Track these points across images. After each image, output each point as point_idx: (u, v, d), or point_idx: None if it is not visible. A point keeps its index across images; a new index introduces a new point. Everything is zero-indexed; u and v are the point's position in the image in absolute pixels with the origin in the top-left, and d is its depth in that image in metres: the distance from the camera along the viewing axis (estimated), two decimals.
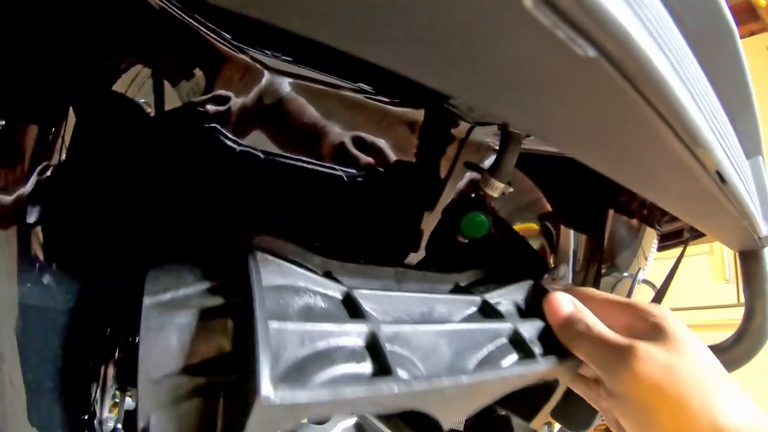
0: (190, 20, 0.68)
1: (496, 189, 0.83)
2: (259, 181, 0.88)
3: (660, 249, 1.24)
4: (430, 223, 0.98)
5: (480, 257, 0.99)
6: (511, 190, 0.90)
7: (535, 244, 1.04)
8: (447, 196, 0.94)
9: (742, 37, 2.67)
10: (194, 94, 0.76)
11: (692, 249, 2.55)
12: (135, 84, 0.71)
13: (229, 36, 0.71)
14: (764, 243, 0.88)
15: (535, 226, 1.00)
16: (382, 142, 0.94)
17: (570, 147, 0.44)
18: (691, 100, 0.37)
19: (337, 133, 0.90)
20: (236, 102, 0.80)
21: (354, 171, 0.92)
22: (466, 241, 0.86)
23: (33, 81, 0.62)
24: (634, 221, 1.12)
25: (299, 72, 0.80)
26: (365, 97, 0.86)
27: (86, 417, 0.95)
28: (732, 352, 0.95)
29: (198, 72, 0.74)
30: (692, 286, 2.58)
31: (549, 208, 1.00)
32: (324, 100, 0.85)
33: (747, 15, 2.70)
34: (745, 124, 0.70)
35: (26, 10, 0.56)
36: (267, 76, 0.79)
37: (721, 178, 0.47)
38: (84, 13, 0.62)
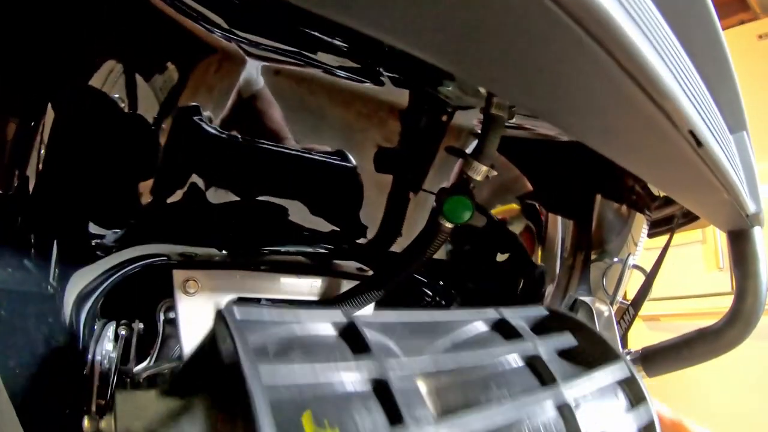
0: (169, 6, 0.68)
1: (479, 172, 0.82)
2: (243, 168, 0.87)
3: (651, 235, 1.23)
4: (416, 209, 0.97)
5: (466, 247, 0.99)
6: (495, 173, 0.89)
7: (522, 231, 1.03)
8: (431, 182, 0.94)
9: (732, 26, 2.68)
10: (168, 87, 0.76)
11: (685, 237, 2.55)
12: (110, 80, 0.71)
13: (213, 20, 0.71)
14: (752, 221, 0.87)
15: (520, 213, 0.99)
16: (367, 129, 0.93)
17: (542, 109, 0.43)
18: (655, 55, 0.36)
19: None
20: (215, 92, 0.80)
21: (337, 157, 0.92)
22: (450, 226, 0.84)
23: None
24: (623, 207, 1.11)
25: (279, 58, 0.80)
26: (348, 80, 0.85)
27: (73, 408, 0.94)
28: (723, 335, 0.94)
29: (172, 65, 0.74)
30: (686, 275, 2.56)
31: (535, 194, 0.99)
32: (306, 87, 0.85)
33: (737, 5, 2.70)
34: (726, 98, 0.70)
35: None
36: (248, 63, 0.79)
37: (697, 140, 0.46)
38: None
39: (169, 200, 0.79)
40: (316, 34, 0.77)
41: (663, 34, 0.42)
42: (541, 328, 0.71)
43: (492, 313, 0.67)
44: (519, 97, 0.43)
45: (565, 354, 0.66)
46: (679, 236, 2.65)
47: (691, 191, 0.66)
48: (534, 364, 0.60)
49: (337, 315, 0.53)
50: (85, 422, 0.73)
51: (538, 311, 0.74)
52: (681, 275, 2.55)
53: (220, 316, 0.47)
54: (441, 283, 1.05)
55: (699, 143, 0.47)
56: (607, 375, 0.61)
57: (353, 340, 0.51)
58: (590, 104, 0.41)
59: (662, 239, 1.31)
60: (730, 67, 0.70)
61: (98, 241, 0.80)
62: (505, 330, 0.65)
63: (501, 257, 1.01)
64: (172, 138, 0.74)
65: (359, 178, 0.94)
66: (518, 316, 0.70)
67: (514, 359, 0.60)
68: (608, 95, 0.39)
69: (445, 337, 0.62)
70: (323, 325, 0.51)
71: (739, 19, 2.60)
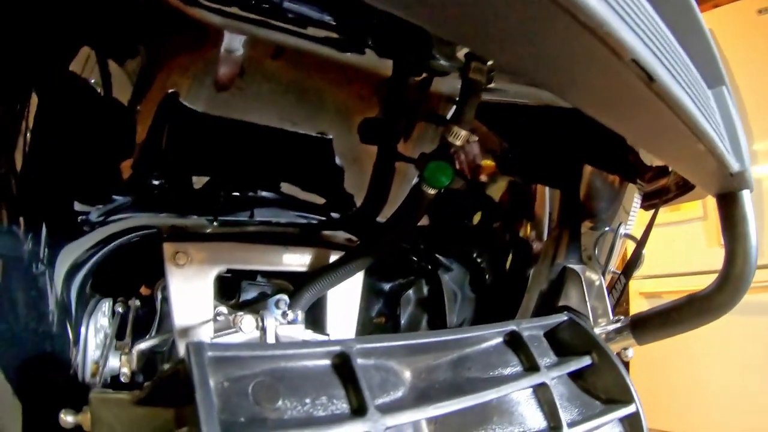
0: None
1: (458, 137, 0.83)
2: (227, 141, 0.89)
3: (646, 208, 1.22)
4: (400, 178, 0.97)
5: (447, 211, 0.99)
6: (476, 138, 0.89)
7: (509, 201, 1.03)
8: (413, 150, 0.94)
9: (731, 1, 2.64)
10: (147, 63, 0.77)
11: (686, 214, 2.52)
12: (89, 60, 0.73)
13: None
14: (738, 183, 0.86)
15: (505, 181, 0.99)
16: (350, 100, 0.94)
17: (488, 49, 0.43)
18: None
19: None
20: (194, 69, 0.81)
21: (321, 129, 0.93)
22: (432, 192, 0.85)
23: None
24: (615, 177, 1.10)
25: (261, 30, 0.81)
26: (331, 51, 0.86)
27: (66, 379, 0.96)
28: (713, 300, 0.93)
29: (150, 41, 0.75)
30: (687, 252, 2.54)
31: (518, 163, 0.98)
32: (289, 59, 0.86)
33: None
34: (699, 51, 0.69)
35: None
36: (227, 36, 0.80)
37: (647, 74, 0.46)
38: None
39: (153, 175, 0.81)
40: (297, 5, 0.78)
41: None
42: (557, 339, 0.72)
43: (508, 327, 0.68)
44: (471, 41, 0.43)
45: (576, 375, 0.68)
46: (680, 213, 2.63)
47: (659, 138, 0.66)
48: (541, 392, 0.62)
49: (332, 346, 0.52)
50: (62, 415, 0.75)
51: (557, 318, 0.74)
52: (682, 252, 2.53)
53: (188, 350, 0.47)
54: (422, 247, 1.05)
55: (650, 77, 0.46)
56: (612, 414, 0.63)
57: (346, 373, 0.51)
58: (527, 37, 0.41)
59: (662, 213, 1.29)
60: (700, 21, 0.70)
61: (84, 216, 0.82)
62: (517, 346, 0.66)
63: (483, 221, 1.01)
64: (153, 115, 0.76)
65: (343, 149, 0.95)
66: (536, 327, 0.71)
67: (521, 386, 0.61)
68: (543, 27, 0.39)
69: (451, 360, 0.62)
70: (313, 362, 0.51)
71: None
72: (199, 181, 0.91)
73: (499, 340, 0.65)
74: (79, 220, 0.83)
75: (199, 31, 0.75)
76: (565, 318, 0.73)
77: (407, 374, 0.58)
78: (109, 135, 0.75)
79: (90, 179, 0.78)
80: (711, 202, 2.23)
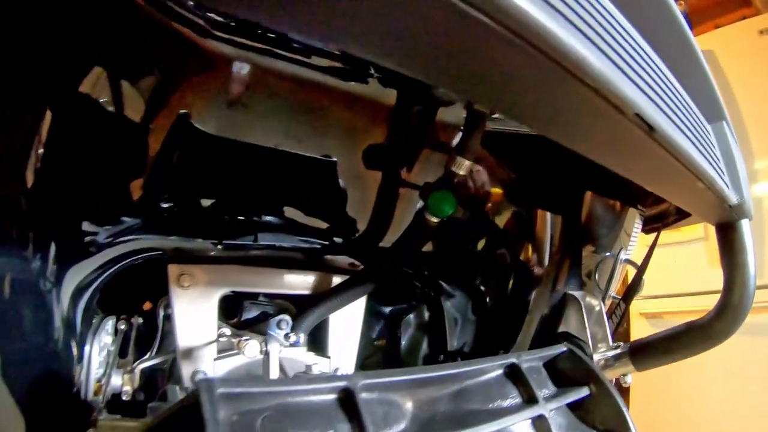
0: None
1: (462, 167, 0.84)
2: (234, 165, 0.90)
3: (647, 231, 1.23)
4: (404, 205, 0.99)
5: (452, 240, 1.00)
6: (479, 168, 0.91)
7: (511, 228, 1.04)
8: (417, 178, 0.95)
9: (732, 22, 2.66)
10: (159, 89, 0.79)
11: (688, 235, 2.52)
12: (100, 82, 0.74)
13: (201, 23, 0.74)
14: (737, 213, 0.87)
15: (508, 208, 1.00)
16: (356, 128, 0.96)
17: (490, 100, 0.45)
18: (585, 44, 0.38)
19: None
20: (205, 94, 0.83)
21: (327, 155, 0.94)
22: (435, 221, 0.86)
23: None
24: (615, 203, 1.11)
25: (268, 60, 0.83)
26: (337, 80, 0.87)
27: (70, 397, 0.97)
28: (712, 328, 0.94)
29: (162, 67, 0.77)
30: (689, 273, 2.55)
31: (521, 190, 1.00)
32: (296, 87, 0.87)
33: (739, 1, 2.68)
34: (699, 87, 0.70)
35: None
36: (236, 64, 0.82)
37: (647, 124, 0.47)
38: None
39: (163, 197, 0.82)
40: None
41: (609, 27, 0.43)
42: (556, 369, 0.73)
43: (508, 359, 0.68)
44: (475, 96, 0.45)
45: (575, 406, 0.69)
46: (681, 234, 2.63)
47: (662, 179, 0.67)
48: (539, 424, 0.63)
49: (337, 381, 0.53)
50: None
51: (556, 349, 0.75)
52: (684, 273, 2.53)
53: (200, 387, 0.47)
54: (427, 274, 1.06)
55: (650, 127, 0.48)
56: None
57: (350, 407, 0.52)
58: (533, 95, 0.42)
59: (664, 234, 1.30)
60: (700, 59, 0.71)
61: (92, 237, 0.83)
62: (517, 378, 0.67)
63: (486, 249, 1.02)
64: (163, 136, 0.77)
65: (349, 175, 0.96)
66: (536, 358, 0.72)
67: (520, 418, 0.62)
68: (549, 86, 0.40)
69: (452, 392, 0.63)
70: (318, 397, 0.52)
71: (740, 15, 2.59)
72: (205, 205, 0.92)
73: (499, 372, 0.66)
74: (86, 241, 0.84)
75: (209, 58, 0.77)
76: (564, 349, 0.74)
77: (409, 406, 0.59)
78: (119, 155, 0.76)
79: (99, 200, 0.79)
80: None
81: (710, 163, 0.70)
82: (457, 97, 0.80)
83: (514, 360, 0.65)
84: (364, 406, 0.52)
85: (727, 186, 0.79)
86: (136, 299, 1.20)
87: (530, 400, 0.64)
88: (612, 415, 0.70)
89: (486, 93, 0.42)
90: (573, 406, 0.71)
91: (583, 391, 0.69)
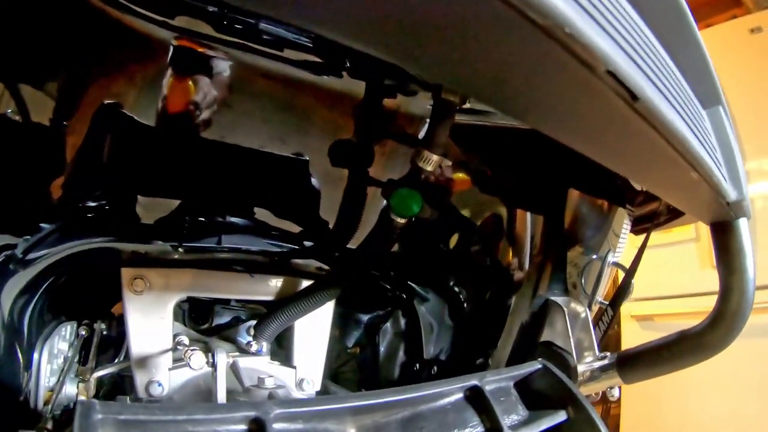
0: None
1: (430, 162, 0.72)
2: (186, 162, 0.79)
3: (636, 232, 1.10)
4: (372, 204, 0.86)
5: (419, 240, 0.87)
6: (449, 163, 0.78)
7: (488, 227, 0.92)
8: (384, 174, 0.83)
9: (723, 21, 2.52)
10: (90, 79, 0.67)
11: (679, 236, 2.38)
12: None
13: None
14: (735, 212, 0.74)
15: (484, 207, 0.88)
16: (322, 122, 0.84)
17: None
18: None
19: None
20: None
21: (291, 151, 0.82)
22: (402, 221, 0.74)
23: None
24: (603, 201, 0.98)
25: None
26: (306, 73, 0.76)
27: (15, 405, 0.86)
28: (707, 338, 0.81)
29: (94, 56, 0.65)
30: (680, 274, 2.40)
31: (498, 188, 0.87)
32: (260, 80, 0.76)
33: (730, 0, 2.56)
34: (693, 66, 0.58)
35: None
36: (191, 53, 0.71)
37: (630, 92, 0.35)
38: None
39: (89, 198, 0.70)
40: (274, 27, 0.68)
41: None
42: (530, 389, 0.60)
43: (469, 381, 0.55)
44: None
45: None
46: (672, 235, 2.48)
47: (648, 168, 0.54)
48: None
49: (247, 410, 0.42)
50: None
51: (530, 367, 0.62)
52: (675, 274, 2.39)
53: (76, 411, 0.39)
54: (393, 275, 0.94)
55: (633, 95, 0.35)
56: None
57: None
58: (473, 48, 0.30)
59: (654, 234, 1.17)
60: (697, 38, 0.59)
61: (10, 251, 0.71)
62: (478, 403, 0.54)
63: (458, 248, 0.89)
64: (85, 130, 0.65)
65: (316, 173, 0.84)
66: (504, 378, 0.59)
67: None
68: (493, 34, 0.28)
69: (402, 418, 0.50)
70: (224, 427, 0.41)
71: (731, 14, 2.46)
72: (161, 205, 0.81)
73: (459, 396, 0.53)
74: (21, 247, 0.72)
75: (143, 43, 0.65)
76: (539, 366, 0.61)
77: None
78: (25, 157, 0.64)
79: (10, 209, 0.67)
80: (702, 223, 2.10)
81: (706, 151, 0.58)
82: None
83: (476, 382, 0.53)
84: None
85: (725, 179, 0.66)
86: (105, 303, 1.08)
87: (493, 428, 0.51)
88: None
89: (411, 53, 0.29)
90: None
91: (560, 416, 0.57)
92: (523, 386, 0.61)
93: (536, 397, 0.60)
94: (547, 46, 0.29)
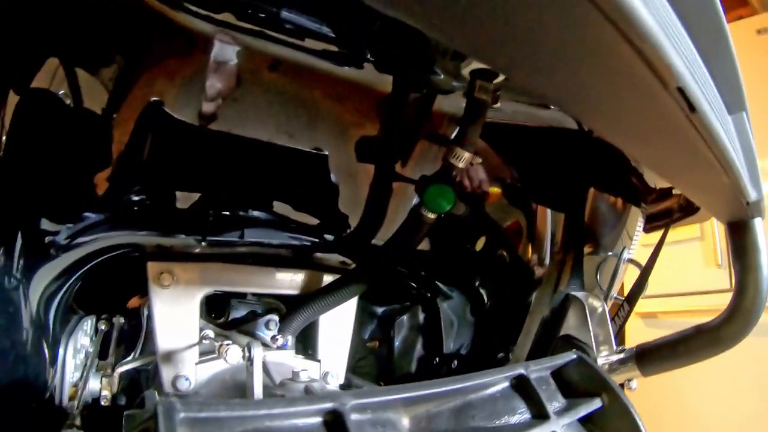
0: None
1: (462, 159, 0.75)
2: (216, 157, 0.81)
3: (648, 230, 1.14)
4: (399, 199, 0.90)
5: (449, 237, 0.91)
6: (480, 160, 0.81)
7: (511, 226, 0.95)
8: (413, 171, 0.86)
9: (730, 21, 2.57)
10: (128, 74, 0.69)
11: (683, 234, 2.44)
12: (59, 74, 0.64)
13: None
14: (753, 211, 0.79)
15: (507, 205, 0.91)
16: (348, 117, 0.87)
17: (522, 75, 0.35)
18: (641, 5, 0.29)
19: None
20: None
21: (317, 146, 0.85)
22: (432, 217, 0.77)
23: None
24: (618, 200, 1.02)
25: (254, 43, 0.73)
26: (330, 65, 0.78)
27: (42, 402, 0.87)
28: (722, 332, 0.85)
29: (132, 51, 0.67)
30: (684, 272, 2.45)
31: (523, 186, 0.91)
32: (286, 72, 0.78)
33: (736, 1, 2.61)
34: (724, 74, 0.61)
35: None
36: (218, 46, 0.72)
37: (689, 103, 0.39)
38: None
39: (132, 191, 0.73)
40: (296, 16, 0.70)
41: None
42: (564, 379, 0.64)
43: (515, 370, 0.59)
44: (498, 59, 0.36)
45: (586, 419, 0.60)
46: (677, 233, 2.54)
47: (687, 171, 0.58)
48: None
49: (324, 402, 0.44)
50: None
51: (566, 357, 0.66)
52: (679, 272, 2.43)
53: (157, 412, 0.40)
54: (423, 274, 0.97)
55: (692, 107, 0.39)
56: None
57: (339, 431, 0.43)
58: (568, 57, 0.33)
59: (657, 235, 1.22)
60: (729, 44, 0.62)
61: (52, 237, 0.73)
62: (525, 391, 0.58)
63: (485, 248, 0.93)
64: (131, 125, 0.67)
65: (340, 167, 0.87)
66: (544, 368, 0.63)
67: None
68: (583, 44, 0.31)
69: (454, 407, 0.54)
70: (302, 420, 0.43)
71: (738, 15, 2.51)
72: (187, 199, 0.83)
73: (506, 384, 0.57)
74: (47, 241, 0.74)
75: (186, 38, 0.67)
76: (574, 356, 0.65)
77: (405, 423, 0.50)
78: (78, 148, 0.66)
79: (58, 197, 0.69)
80: (707, 222, 2.15)
81: (735, 155, 0.62)
82: (474, 57, 0.69)
83: (522, 371, 0.56)
84: (355, 430, 0.44)
85: (747, 180, 0.71)
86: (119, 297, 1.10)
87: (540, 415, 0.55)
88: (627, 429, 0.61)
89: (507, 56, 0.32)
90: (583, 420, 0.62)
91: (595, 403, 0.61)
92: (558, 376, 0.65)
93: (570, 386, 0.64)
94: (632, 62, 0.32)
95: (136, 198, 0.73)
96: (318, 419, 0.44)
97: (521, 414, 0.54)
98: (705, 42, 0.58)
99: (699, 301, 2.23)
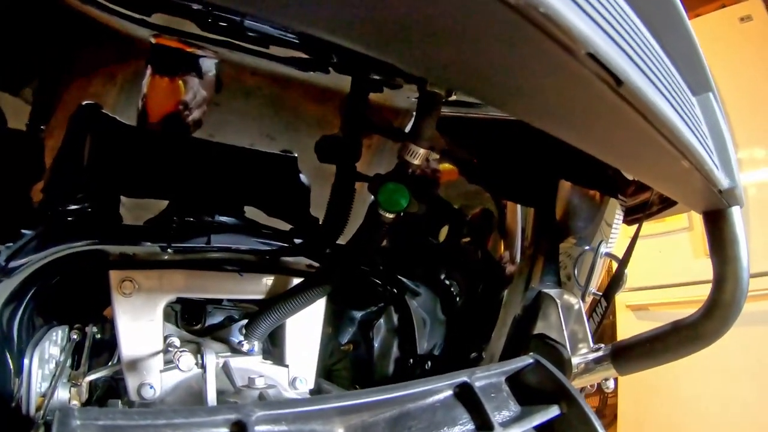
0: None
1: (416, 155, 0.69)
2: (170, 162, 0.77)
3: (629, 222, 1.08)
4: (360, 199, 0.84)
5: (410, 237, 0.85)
6: (437, 156, 0.76)
7: (478, 220, 0.90)
8: (372, 169, 0.81)
9: (713, 10, 2.49)
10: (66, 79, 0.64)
11: (672, 225, 2.35)
12: None
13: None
14: (728, 199, 0.72)
15: (474, 200, 0.86)
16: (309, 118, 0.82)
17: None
18: None
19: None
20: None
21: (278, 149, 0.81)
22: (390, 216, 0.72)
23: None
24: (593, 192, 0.96)
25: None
26: (293, 69, 0.74)
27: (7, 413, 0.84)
28: (701, 328, 0.79)
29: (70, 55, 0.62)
30: (673, 263, 2.37)
31: (487, 180, 0.85)
32: (246, 77, 0.74)
33: None
34: (682, 52, 0.55)
35: None
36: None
37: (614, 76, 0.33)
38: None
39: (72, 200, 0.68)
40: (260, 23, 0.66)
41: None
42: (522, 384, 0.58)
43: (458, 378, 0.53)
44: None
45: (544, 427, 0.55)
46: (666, 224, 2.46)
47: (640, 158, 0.52)
48: None
49: (228, 413, 0.40)
50: None
51: (521, 362, 0.61)
52: (669, 263, 2.37)
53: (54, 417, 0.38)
54: (383, 269, 0.91)
55: (616, 79, 0.33)
56: None
57: None
58: (452, 36, 0.28)
59: (647, 224, 1.15)
60: (686, 25, 0.56)
61: (7, 251, 0.69)
62: (469, 400, 0.52)
63: (447, 241, 0.87)
64: (63, 135, 0.63)
65: (303, 169, 0.82)
66: (495, 374, 0.57)
67: None
68: (472, 21, 0.26)
69: (390, 417, 0.48)
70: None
71: (720, 4, 2.41)
72: (147, 206, 0.79)
73: (449, 393, 0.51)
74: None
75: (122, 42, 0.63)
76: (530, 361, 0.59)
77: None
78: (4, 162, 0.62)
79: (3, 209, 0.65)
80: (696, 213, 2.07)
81: (697, 139, 0.56)
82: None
83: (465, 378, 0.51)
84: None
85: (717, 167, 0.64)
86: (92, 306, 1.06)
87: (484, 426, 0.49)
88: None
89: (383, 39, 0.27)
90: (540, 428, 0.56)
91: (553, 411, 0.55)
92: (515, 381, 0.59)
93: (529, 392, 0.59)
94: (524, 29, 0.27)
95: (77, 208, 0.69)
96: (223, 430, 0.39)
97: (463, 425, 0.49)
98: (656, 20, 0.52)
99: (690, 292, 2.16)
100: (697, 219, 2.43)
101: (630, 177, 0.96)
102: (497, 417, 0.51)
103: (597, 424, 0.55)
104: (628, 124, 0.40)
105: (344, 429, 0.45)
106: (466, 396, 0.51)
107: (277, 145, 0.81)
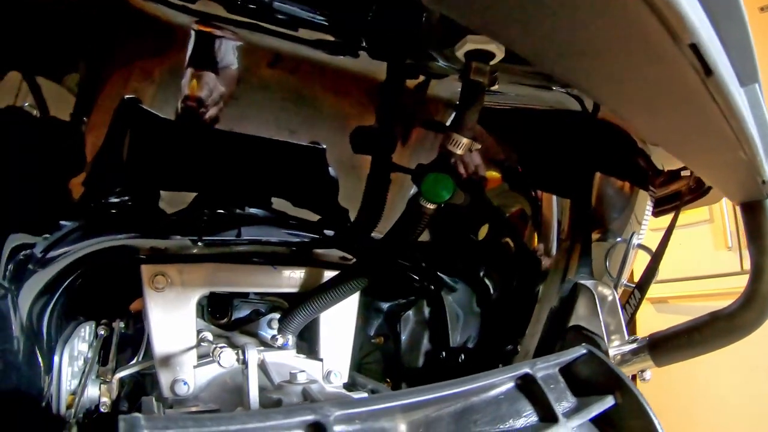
0: None
1: (460, 145, 0.70)
2: (204, 154, 0.77)
3: (657, 214, 1.09)
4: (397, 191, 0.85)
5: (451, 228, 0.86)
6: (479, 146, 0.76)
7: (516, 214, 0.90)
8: (410, 160, 0.81)
9: None
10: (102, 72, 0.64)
11: (692, 217, 2.36)
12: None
13: None
14: (767, 190, 0.73)
15: (510, 191, 0.86)
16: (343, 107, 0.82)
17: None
18: None
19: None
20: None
21: (311, 139, 0.81)
22: (432, 207, 0.72)
23: None
24: (625, 184, 0.97)
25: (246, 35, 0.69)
26: (323, 54, 0.74)
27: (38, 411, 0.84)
28: (739, 319, 0.80)
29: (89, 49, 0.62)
30: (694, 255, 2.36)
31: (526, 172, 0.86)
32: (277, 64, 0.74)
33: None
34: (737, 41, 0.56)
35: None
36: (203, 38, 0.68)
37: (705, 65, 0.34)
38: None
39: (111, 193, 0.68)
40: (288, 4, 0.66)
41: None
42: (573, 374, 0.59)
43: (520, 369, 0.54)
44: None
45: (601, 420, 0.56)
46: (686, 216, 2.46)
47: (701, 146, 0.53)
48: None
49: (306, 415, 0.40)
50: None
51: (575, 353, 0.61)
52: (689, 256, 2.35)
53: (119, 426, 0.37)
54: (425, 266, 0.92)
55: (707, 70, 0.34)
56: None
57: None
58: (571, 13, 0.29)
59: (665, 219, 1.16)
60: (742, 11, 0.57)
61: (29, 250, 0.69)
62: (531, 391, 0.53)
63: (489, 237, 0.88)
64: (105, 127, 0.63)
65: (338, 159, 0.83)
66: (552, 365, 0.58)
67: None
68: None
69: (454, 411, 0.49)
70: None
71: None
72: (178, 199, 0.79)
73: (510, 385, 0.52)
74: (25, 255, 0.70)
75: (163, 31, 0.63)
76: (584, 351, 0.60)
77: (402, 430, 0.46)
78: (45, 156, 0.62)
79: (44, 202, 0.65)
80: (716, 204, 2.08)
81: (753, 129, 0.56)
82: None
83: (527, 370, 0.52)
84: None
85: (765, 159, 0.65)
86: (119, 300, 1.06)
87: (548, 417, 0.50)
88: (642, 428, 0.57)
89: (495, 17, 0.28)
90: (595, 419, 0.57)
91: (608, 401, 0.56)
92: (566, 372, 0.60)
93: (580, 382, 0.60)
94: (640, 12, 0.27)
95: (117, 201, 0.69)
96: None
97: (527, 417, 0.50)
98: (714, 4, 0.53)
99: (710, 285, 2.16)
100: (718, 211, 2.45)
101: (661, 168, 0.97)
102: (558, 408, 0.52)
103: (652, 414, 0.56)
104: (704, 113, 0.41)
105: (407, 425, 0.46)
106: (528, 388, 0.52)
107: (307, 136, 0.81)
